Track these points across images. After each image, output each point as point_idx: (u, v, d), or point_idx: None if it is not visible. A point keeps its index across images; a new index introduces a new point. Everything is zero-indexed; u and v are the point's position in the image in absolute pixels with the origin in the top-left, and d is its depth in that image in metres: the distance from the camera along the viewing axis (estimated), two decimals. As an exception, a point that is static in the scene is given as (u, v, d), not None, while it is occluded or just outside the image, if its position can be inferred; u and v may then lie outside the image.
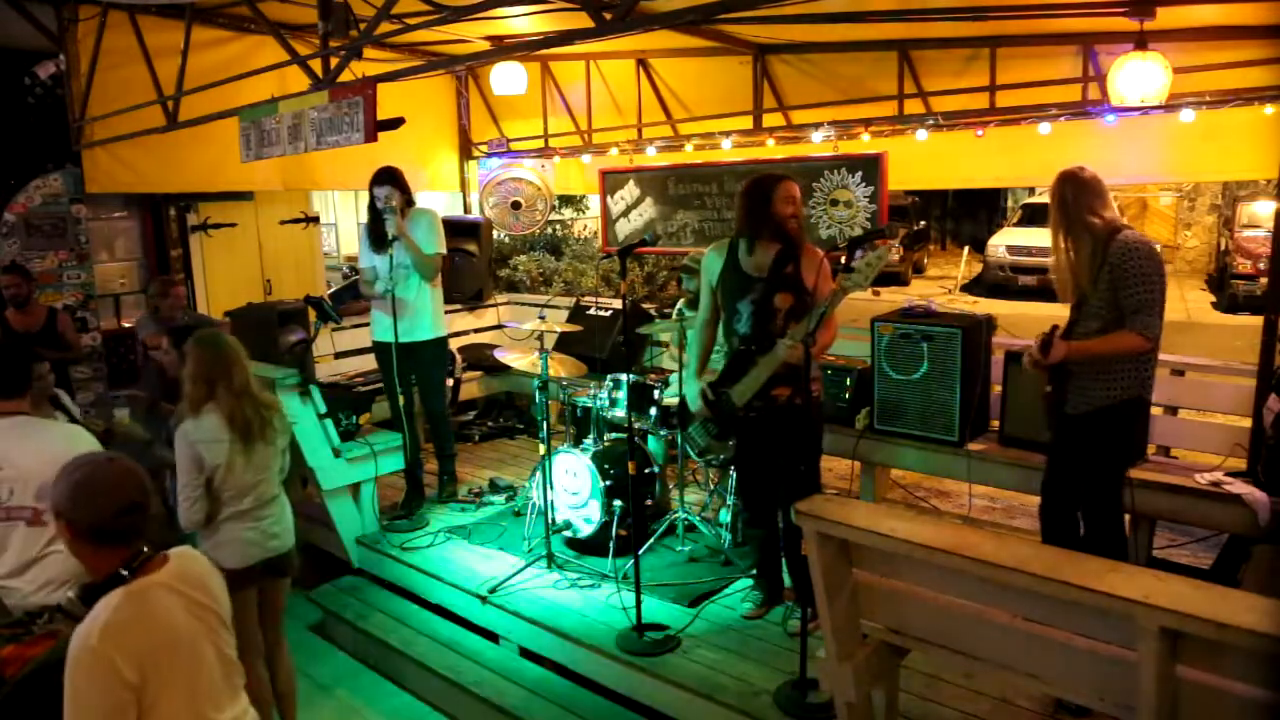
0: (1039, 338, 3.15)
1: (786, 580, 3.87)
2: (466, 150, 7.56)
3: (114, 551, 1.96)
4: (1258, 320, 4.10)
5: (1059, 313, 3.32)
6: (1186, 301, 15.03)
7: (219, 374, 3.14)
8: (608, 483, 4.37)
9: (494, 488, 5.44)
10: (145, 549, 1.99)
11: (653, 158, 6.63)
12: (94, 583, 1.97)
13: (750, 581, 4.03)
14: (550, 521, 4.42)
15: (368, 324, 5.16)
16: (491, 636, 4.14)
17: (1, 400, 2.98)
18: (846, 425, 4.86)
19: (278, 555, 3.30)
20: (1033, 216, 15.98)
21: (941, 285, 17.37)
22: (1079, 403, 3.18)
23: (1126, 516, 4.07)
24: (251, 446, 3.17)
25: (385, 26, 3.72)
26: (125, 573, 1.93)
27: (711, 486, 5.10)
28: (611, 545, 4.30)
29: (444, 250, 5.03)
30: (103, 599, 1.90)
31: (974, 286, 16.80)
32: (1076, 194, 3.15)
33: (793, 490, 3.62)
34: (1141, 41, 4.00)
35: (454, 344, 6.69)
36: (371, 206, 4.84)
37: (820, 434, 3.75)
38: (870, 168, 5.50)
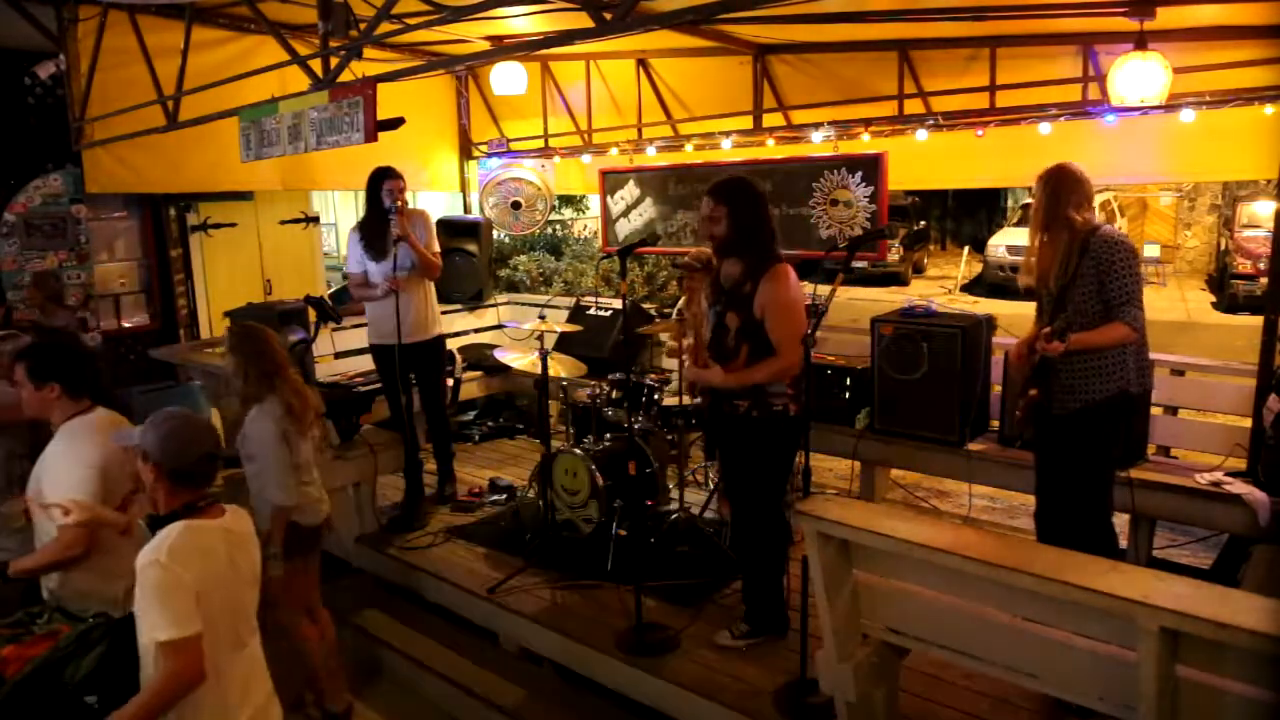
0: (1049, 330, 3.07)
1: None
2: (466, 150, 7.56)
3: (185, 492, 2.33)
4: (1258, 320, 4.10)
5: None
6: (1186, 301, 15.03)
7: (274, 368, 3.47)
8: (608, 483, 4.37)
9: (494, 488, 5.44)
10: (208, 495, 2.36)
11: (653, 158, 6.63)
12: (160, 514, 2.32)
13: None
14: (550, 521, 4.42)
15: (367, 324, 5.15)
16: (491, 636, 4.14)
17: (79, 397, 3.05)
18: (846, 425, 4.86)
19: (326, 516, 3.70)
20: (1033, 217, 15.97)
21: (941, 285, 17.38)
22: (1065, 402, 3.20)
23: (1126, 516, 4.09)
24: (309, 422, 3.54)
25: (385, 26, 3.71)
26: (186, 509, 2.30)
27: (711, 486, 5.10)
28: (611, 545, 4.30)
29: (438, 248, 5.09)
30: (167, 527, 2.25)
31: (974, 286, 16.81)
32: (1066, 190, 3.17)
33: (740, 502, 3.62)
34: (1141, 41, 4.00)
35: (454, 344, 6.69)
36: (373, 206, 4.83)
37: (782, 450, 3.52)
38: (870, 168, 5.49)
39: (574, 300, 7.19)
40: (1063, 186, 3.19)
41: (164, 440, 2.33)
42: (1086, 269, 3.11)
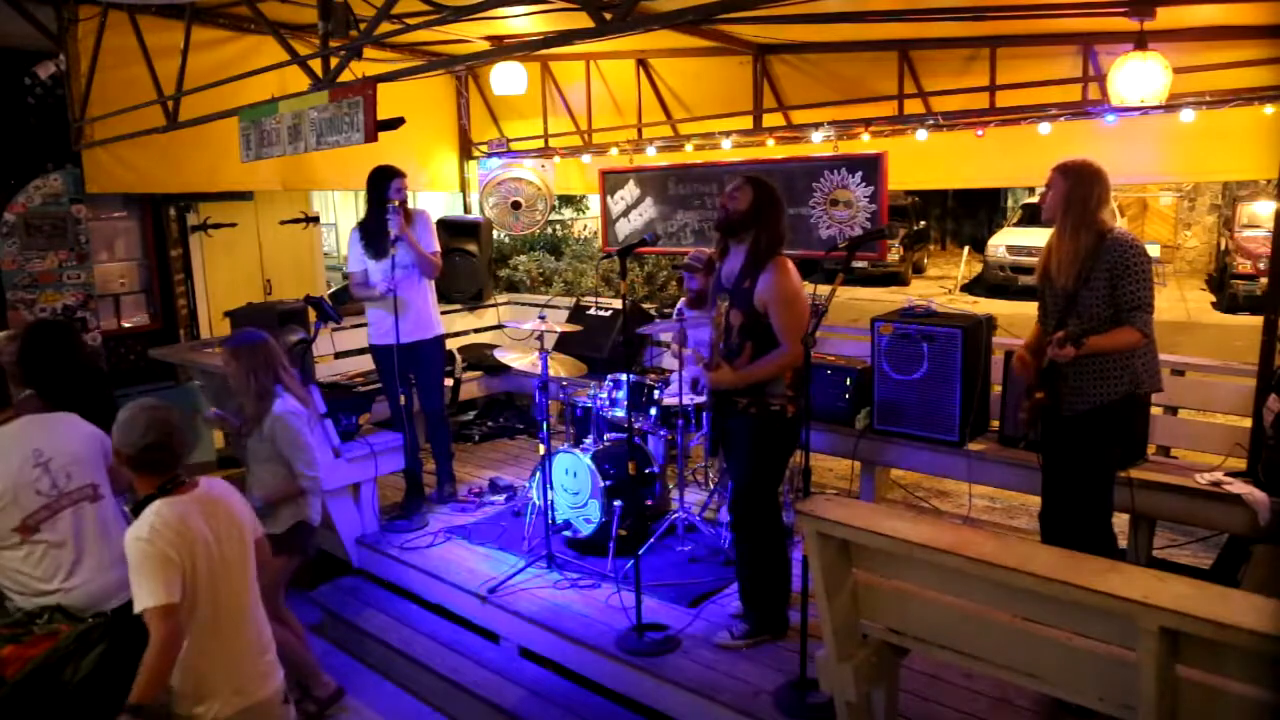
0: (1062, 335, 3.07)
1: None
2: (466, 150, 7.56)
3: (150, 477, 2.53)
4: (1258, 320, 4.11)
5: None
6: (1186, 301, 15.04)
7: (277, 367, 3.64)
8: (608, 483, 4.37)
9: (494, 488, 5.44)
10: (178, 475, 2.55)
11: (653, 158, 6.63)
12: (141, 497, 2.54)
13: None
14: (550, 521, 4.42)
15: (367, 324, 5.15)
16: (491, 636, 4.14)
17: None
18: (846, 425, 4.86)
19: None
20: (1033, 216, 15.99)
21: (941, 285, 17.38)
22: (1074, 404, 3.18)
23: (1126, 516, 4.09)
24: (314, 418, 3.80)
25: (385, 26, 3.72)
26: (160, 491, 2.51)
27: (711, 486, 5.10)
28: (611, 545, 4.30)
29: (439, 249, 5.10)
30: (148, 508, 2.48)
31: (974, 286, 16.81)
32: (1101, 189, 3.13)
33: (734, 499, 3.64)
34: (1141, 41, 4.00)
35: (454, 344, 6.69)
36: (374, 206, 4.83)
37: (776, 449, 3.54)
38: (870, 168, 5.49)
39: (574, 300, 7.19)
40: (1097, 186, 3.13)
41: (118, 429, 2.55)
42: (1099, 272, 3.08)
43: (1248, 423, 4.07)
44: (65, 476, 3.03)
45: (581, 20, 3.11)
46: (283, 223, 7.80)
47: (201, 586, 2.48)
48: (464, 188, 7.64)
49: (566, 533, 4.52)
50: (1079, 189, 3.14)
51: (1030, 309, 3.50)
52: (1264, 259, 11.37)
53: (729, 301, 3.49)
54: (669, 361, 5.50)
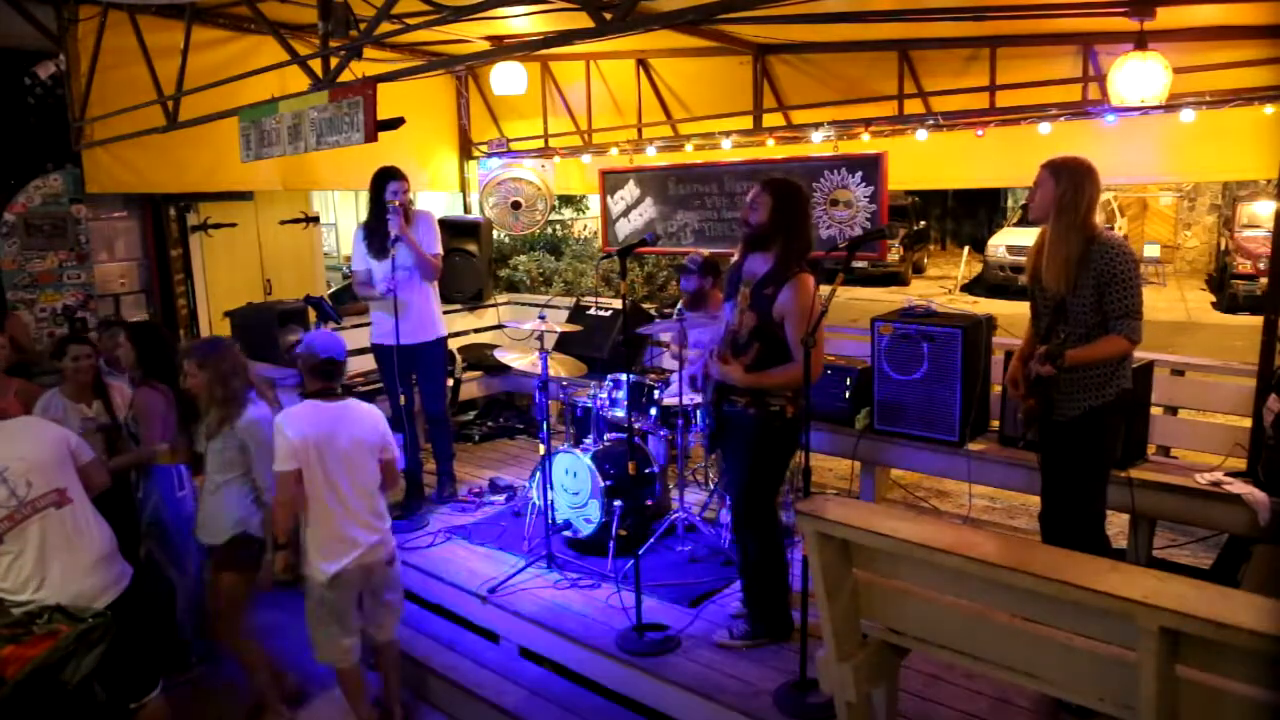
0: (1043, 351, 3.05)
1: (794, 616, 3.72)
2: (466, 150, 7.56)
3: (317, 382, 3.38)
4: (1258, 320, 4.10)
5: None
6: (1186, 301, 15.04)
7: (241, 369, 3.62)
8: (608, 483, 4.37)
9: (494, 488, 5.44)
10: (334, 389, 3.41)
11: (653, 158, 6.63)
12: (305, 394, 3.42)
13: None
14: (550, 521, 4.42)
15: (368, 324, 5.15)
16: (491, 636, 4.14)
17: None
18: (846, 425, 4.86)
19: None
20: (1033, 216, 15.96)
21: (941, 285, 17.38)
22: (1067, 409, 3.16)
23: (1126, 516, 4.09)
24: None
25: (385, 26, 3.71)
26: (312, 394, 3.37)
27: (711, 486, 5.10)
28: (611, 545, 4.30)
29: (441, 251, 5.08)
30: (303, 401, 3.36)
31: (974, 286, 16.81)
32: (1094, 190, 3.07)
33: (733, 500, 3.63)
34: (1141, 41, 4.00)
35: (454, 344, 6.69)
36: (375, 206, 4.84)
37: (775, 450, 3.53)
38: (870, 168, 5.49)
39: (574, 300, 7.19)
40: (1089, 186, 3.06)
41: (299, 350, 3.43)
42: (1086, 279, 3.03)
43: (1248, 423, 4.07)
44: (25, 485, 2.94)
45: (581, 20, 3.11)
46: (283, 223, 7.80)
47: (321, 477, 3.20)
48: (464, 188, 7.64)
49: (566, 533, 4.52)
50: (1071, 190, 3.05)
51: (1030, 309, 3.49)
52: (1264, 259, 11.38)
53: (749, 300, 3.47)
54: (669, 362, 5.50)
